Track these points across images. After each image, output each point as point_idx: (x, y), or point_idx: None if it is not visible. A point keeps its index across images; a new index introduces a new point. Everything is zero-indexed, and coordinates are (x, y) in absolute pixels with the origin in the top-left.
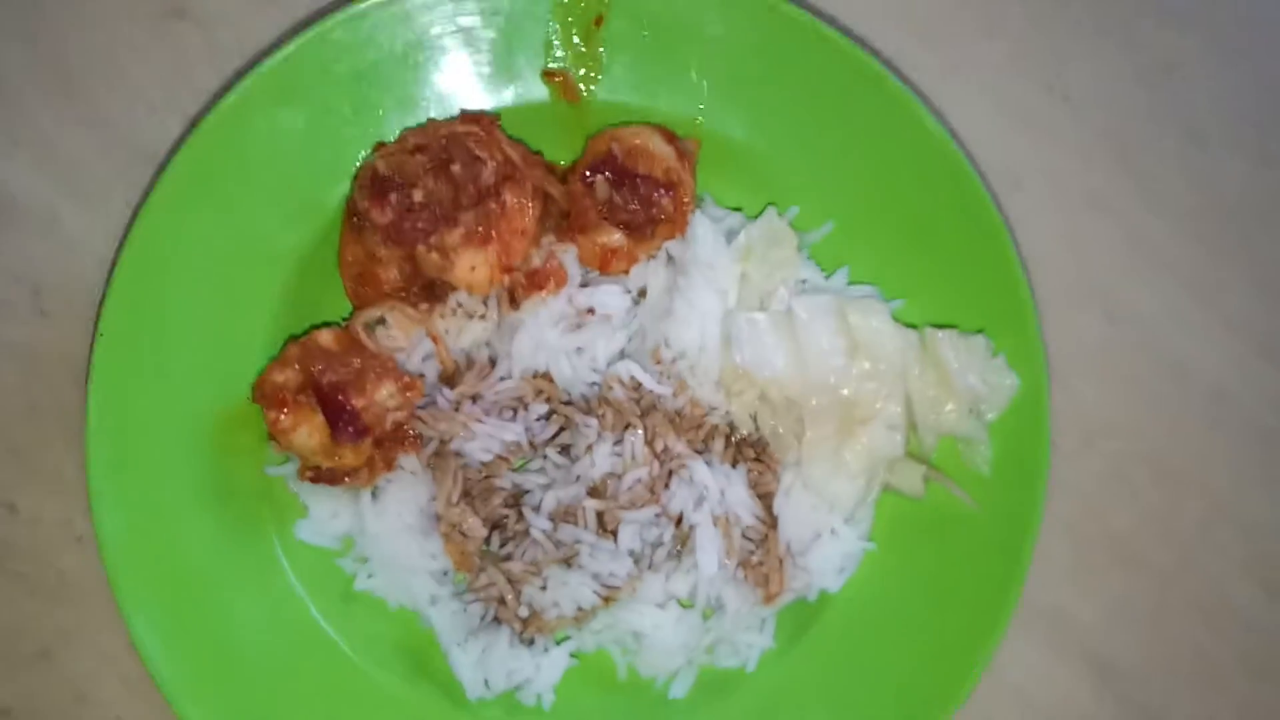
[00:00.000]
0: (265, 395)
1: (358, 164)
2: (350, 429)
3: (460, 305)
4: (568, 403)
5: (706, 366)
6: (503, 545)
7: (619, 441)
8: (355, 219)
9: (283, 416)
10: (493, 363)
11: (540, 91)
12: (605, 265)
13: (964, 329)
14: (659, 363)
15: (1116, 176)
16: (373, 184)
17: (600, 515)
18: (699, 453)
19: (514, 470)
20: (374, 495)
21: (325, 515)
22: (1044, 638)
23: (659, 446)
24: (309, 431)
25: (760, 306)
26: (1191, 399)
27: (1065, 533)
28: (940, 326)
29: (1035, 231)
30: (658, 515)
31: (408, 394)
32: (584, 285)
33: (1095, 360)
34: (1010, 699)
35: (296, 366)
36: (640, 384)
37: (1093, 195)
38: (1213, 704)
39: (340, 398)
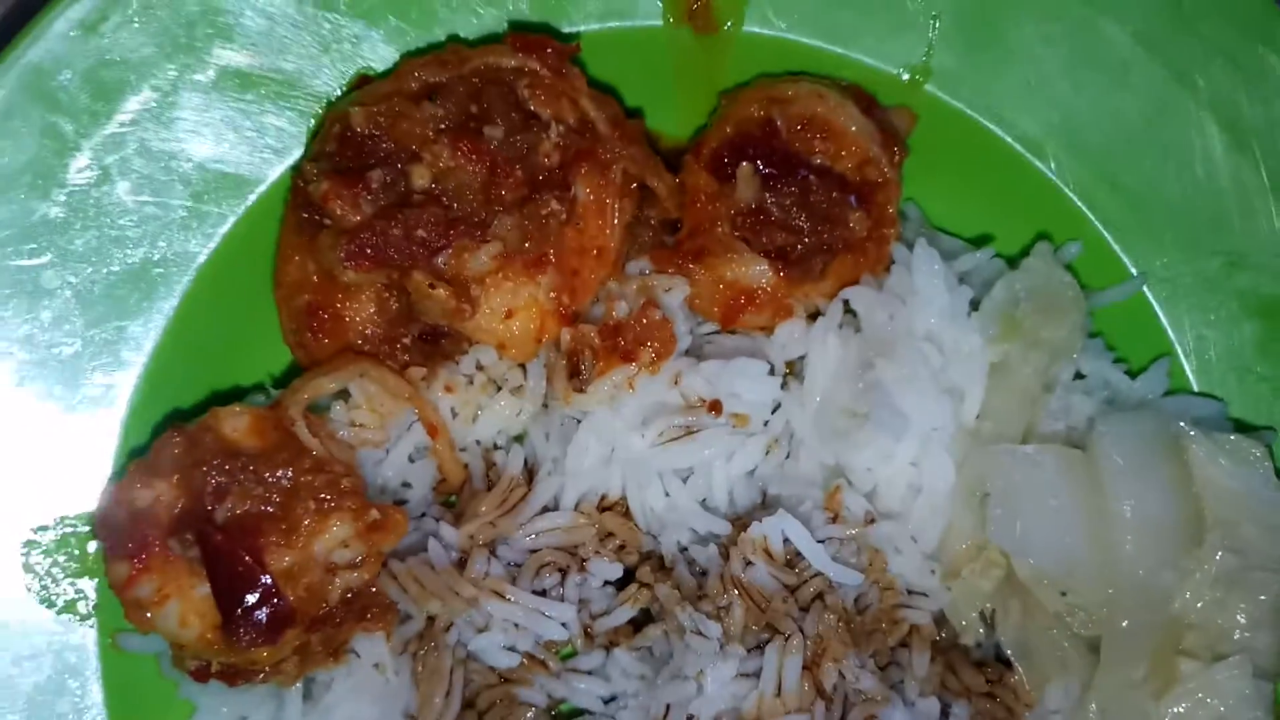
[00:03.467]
0: (109, 531)
1: (317, 115)
2: (256, 619)
3: (481, 369)
4: (647, 556)
5: (921, 527)
6: None
7: (752, 652)
8: (307, 213)
9: (136, 573)
10: (530, 475)
11: (652, 8)
12: (733, 316)
13: None
14: (837, 519)
15: None
16: (341, 148)
17: None
18: (884, 667)
19: (552, 672)
20: (308, 694)
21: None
22: None
23: (829, 677)
24: (182, 613)
25: (1027, 431)
26: None
27: None
28: None
29: None
30: None
31: (373, 538)
32: (692, 353)
33: None
34: None
35: (173, 478)
36: (798, 553)
37: None
38: None
39: (245, 560)
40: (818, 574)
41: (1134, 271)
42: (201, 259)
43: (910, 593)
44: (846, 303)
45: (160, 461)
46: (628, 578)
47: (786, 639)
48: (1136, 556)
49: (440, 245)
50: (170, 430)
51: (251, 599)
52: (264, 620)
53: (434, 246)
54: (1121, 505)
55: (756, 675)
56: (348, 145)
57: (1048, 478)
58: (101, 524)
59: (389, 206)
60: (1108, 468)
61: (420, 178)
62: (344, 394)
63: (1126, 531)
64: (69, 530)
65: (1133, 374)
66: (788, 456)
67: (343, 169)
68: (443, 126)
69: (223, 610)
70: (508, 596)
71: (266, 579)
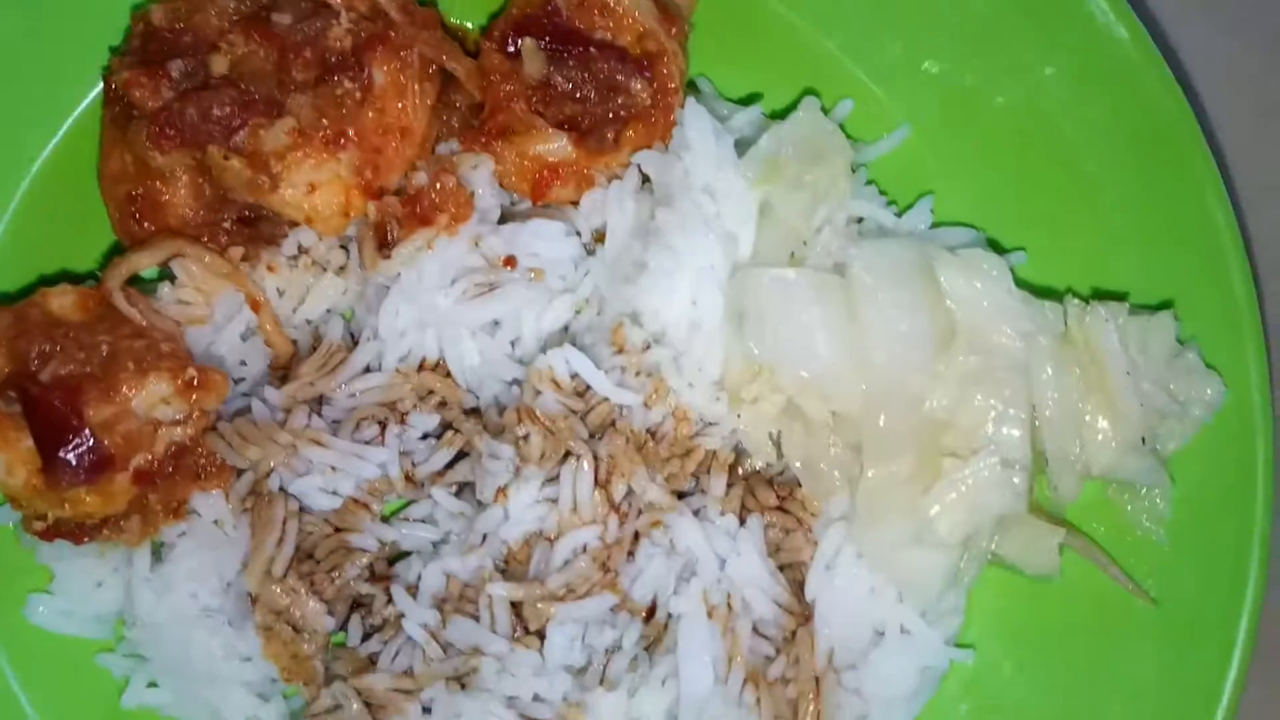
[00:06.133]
0: None
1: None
2: (74, 462)
3: (303, 250)
4: (472, 411)
5: (702, 358)
6: (365, 638)
7: (552, 479)
8: (119, 107)
9: None
10: (353, 340)
11: None
12: (540, 190)
13: (1136, 302)
14: (622, 350)
15: None
16: (144, 44)
17: (517, 607)
18: (684, 496)
19: (383, 516)
20: (155, 554)
21: (80, 585)
22: None
23: (618, 491)
24: (8, 462)
25: (792, 260)
26: None
27: None
28: (1093, 296)
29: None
30: (614, 609)
31: (196, 395)
32: (503, 221)
33: None
34: None
35: (3, 351)
36: (588, 386)
37: None
38: None
39: (67, 405)
40: (604, 400)
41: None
42: (37, 163)
43: (706, 423)
44: (639, 169)
45: None
46: (446, 432)
47: (579, 460)
48: (889, 362)
49: (236, 124)
50: None
51: (69, 443)
52: (80, 462)
53: (230, 125)
54: (871, 315)
55: (553, 491)
56: (150, 40)
57: (800, 294)
58: None
59: (189, 90)
60: (860, 285)
61: (218, 66)
62: (168, 275)
63: (878, 339)
64: None
65: (900, 214)
66: (599, 314)
67: (143, 61)
68: (235, 18)
69: (43, 455)
70: (325, 444)
71: (81, 424)
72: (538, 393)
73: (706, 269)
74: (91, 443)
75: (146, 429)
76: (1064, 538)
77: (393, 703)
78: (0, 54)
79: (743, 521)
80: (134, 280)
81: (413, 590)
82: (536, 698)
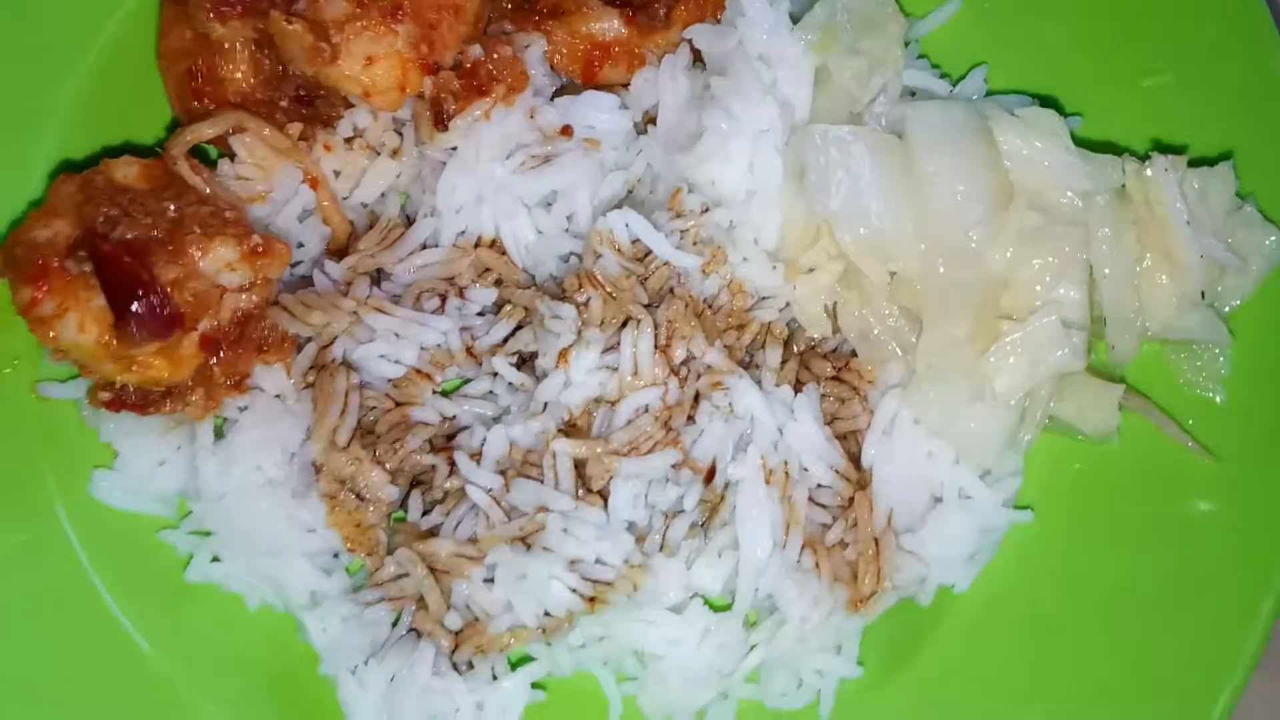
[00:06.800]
0: (15, 261)
1: None
2: (146, 316)
3: (359, 133)
4: (530, 285)
5: (757, 225)
6: (425, 513)
7: (612, 347)
8: None
9: (39, 295)
10: (409, 222)
11: None
12: (593, 70)
13: (1195, 157)
14: (680, 216)
15: None
16: None
17: (581, 465)
18: (744, 365)
19: (443, 394)
20: (218, 433)
21: (143, 463)
22: None
23: (678, 355)
24: (80, 320)
25: (850, 123)
26: None
27: None
28: (1154, 152)
29: None
30: (675, 466)
31: (260, 262)
32: (557, 95)
33: None
34: None
35: (70, 217)
36: (649, 251)
37: None
38: None
39: (137, 266)
40: (664, 264)
41: None
42: (99, 40)
43: (760, 297)
44: (691, 46)
45: (56, 201)
46: (505, 305)
47: (639, 323)
48: (949, 217)
49: None
50: (64, 175)
51: (140, 297)
52: (151, 315)
53: None
54: (930, 172)
55: (614, 358)
56: None
57: (859, 151)
58: (4, 260)
59: None
60: (918, 144)
61: None
62: (228, 151)
63: (937, 198)
64: None
65: (954, 85)
66: (651, 192)
67: None
68: None
69: (114, 309)
70: (388, 311)
71: (152, 278)
72: (598, 255)
73: (764, 133)
74: (162, 297)
75: (214, 292)
76: (1123, 396)
77: (457, 567)
78: None
79: (799, 390)
80: (196, 156)
81: (476, 457)
82: (599, 561)
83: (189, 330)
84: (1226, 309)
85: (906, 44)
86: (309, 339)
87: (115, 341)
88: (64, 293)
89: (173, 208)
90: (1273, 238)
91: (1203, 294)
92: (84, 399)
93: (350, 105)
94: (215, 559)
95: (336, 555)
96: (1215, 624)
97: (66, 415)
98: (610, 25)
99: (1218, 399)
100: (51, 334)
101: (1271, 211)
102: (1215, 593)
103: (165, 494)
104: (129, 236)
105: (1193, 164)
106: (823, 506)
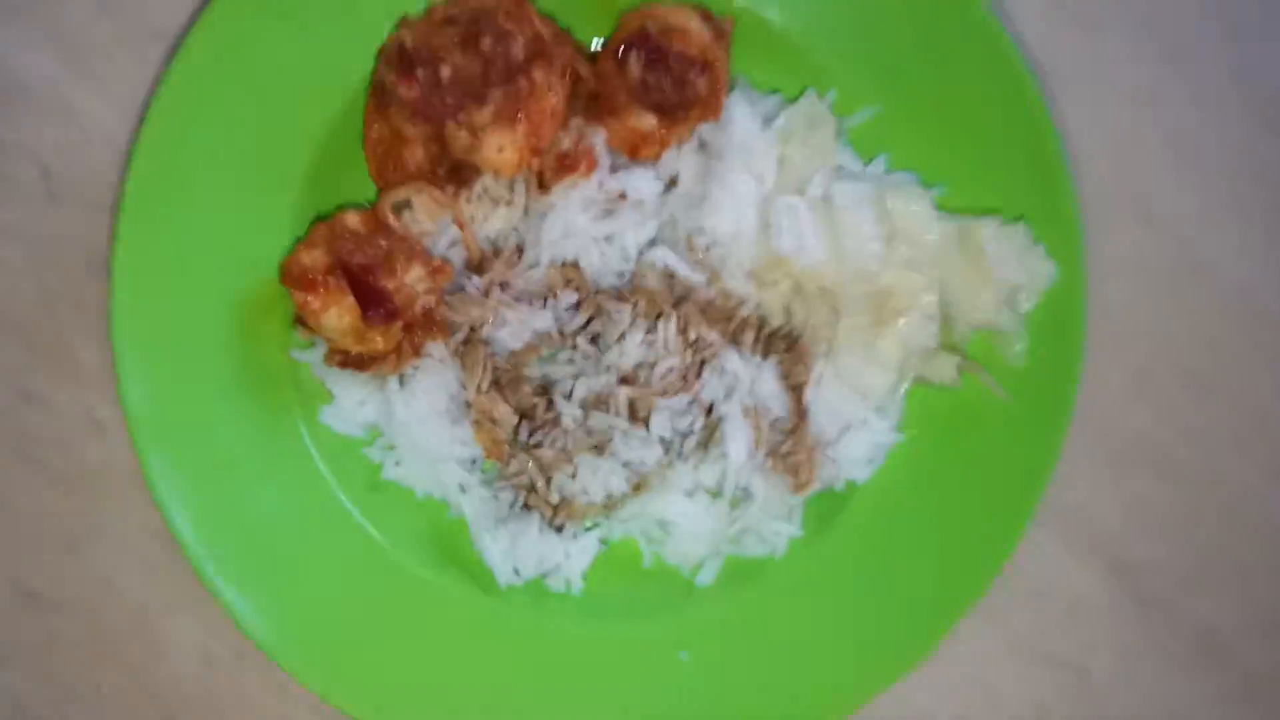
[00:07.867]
0: (294, 277)
1: (383, 39)
2: (382, 310)
3: (486, 190)
4: (598, 292)
5: (740, 256)
6: (532, 434)
7: (651, 330)
8: (381, 96)
9: (313, 299)
10: (520, 250)
11: None
12: (636, 150)
13: (1004, 218)
14: (692, 250)
15: (1164, 75)
16: (399, 59)
17: (632, 402)
18: (732, 343)
19: (543, 360)
20: (401, 382)
21: (352, 402)
22: (1062, 534)
23: (691, 336)
24: (340, 313)
25: (798, 193)
26: (1228, 306)
27: (1091, 433)
28: (983, 210)
29: (1076, 126)
30: (690, 403)
31: (437, 277)
32: (614, 171)
33: (1130, 262)
34: (1025, 594)
35: (324, 248)
36: (674, 272)
37: (1138, 93)
38: (1231, 602)
39: (370, 279)
40: (683, 279)
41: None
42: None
43: (740, 300)
44: (700, 137)
45: (314, 237)
46: (582, 303)
47: (668, 317)
48: (857, 251)
49: (460, 108)
50: (318, 221)
51: (377, 300)
52: (385, 311)
53: (457, 109)
54: (846, 226)
55: (652, 337)
56: (403, 55)
57: (804, 211)
58: (285, 275)
59: (429, 88)
60: (840, 205)
61: (445, 71)
62: (408, 204)
63: (850, 239)
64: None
65: (866, 164)
66: (672, 230)
67: (400, 69)
68: (456, 41)
69: (361, 304)
70: (515, 309)
71: (381, 289)
72: (643, 277)
73: (745, 198)
74: (388, 299)
75: (411, 295)
76: (961, 362)
77: (555, 466)
78: (308, 56)
79: (765, 359)
80: (394, 207)
81: (566, 398)
82: (641, 462)
83: (399, 320)
84: (1023, 310)
85: (837, 135)
86: (460, 324)
87: (360, 326)
88: (327, 296)
89: (384, 243)
90: (1047, 268)
91: (1007, 301)
92: (317, 361)
93: (481, 173)
94: (398, 463)
95: (475, 461)
96: (1004, 496)
97: (304, 371)
98: (648, 121)
99: (1018, 363)
100: (318, 321)
101: (1049, 251)
102: (1005, 474)
103: (364, 423)
104: (363, 262)
105: (1004, 221)
106: (778, 431)
